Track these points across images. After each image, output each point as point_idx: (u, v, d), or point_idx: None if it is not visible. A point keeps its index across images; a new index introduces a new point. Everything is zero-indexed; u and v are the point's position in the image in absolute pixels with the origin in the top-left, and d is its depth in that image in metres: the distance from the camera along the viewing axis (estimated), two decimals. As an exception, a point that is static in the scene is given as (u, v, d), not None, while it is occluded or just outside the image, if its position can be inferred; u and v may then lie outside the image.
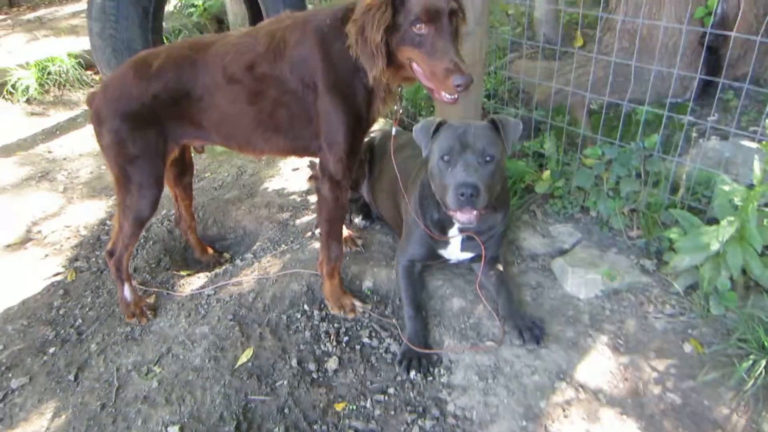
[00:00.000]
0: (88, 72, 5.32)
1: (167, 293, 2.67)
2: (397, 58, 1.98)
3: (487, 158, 2.05)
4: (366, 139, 3.02)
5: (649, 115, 3.00)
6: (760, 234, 1.94)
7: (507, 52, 4.19)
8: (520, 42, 3.66)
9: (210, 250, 3.02)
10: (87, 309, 2.62)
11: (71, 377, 2.25)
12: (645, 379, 2.04)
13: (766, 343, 1.94)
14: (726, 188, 1.96)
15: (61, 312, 2.61)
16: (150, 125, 2.24)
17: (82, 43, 5.46)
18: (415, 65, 1.96)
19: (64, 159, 4.11)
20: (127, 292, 2.52)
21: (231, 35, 2.27)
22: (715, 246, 1.96)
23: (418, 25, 1.86)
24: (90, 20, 3.71)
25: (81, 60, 5.26)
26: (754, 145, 2.71)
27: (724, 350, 2.06)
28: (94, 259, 2.97)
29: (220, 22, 6.04)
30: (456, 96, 1.90)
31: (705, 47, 3.23)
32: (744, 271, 2.08)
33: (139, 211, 2.36)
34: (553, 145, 3.02)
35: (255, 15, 4.80)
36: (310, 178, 3.36)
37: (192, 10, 5.88)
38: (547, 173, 2.92)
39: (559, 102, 3.35)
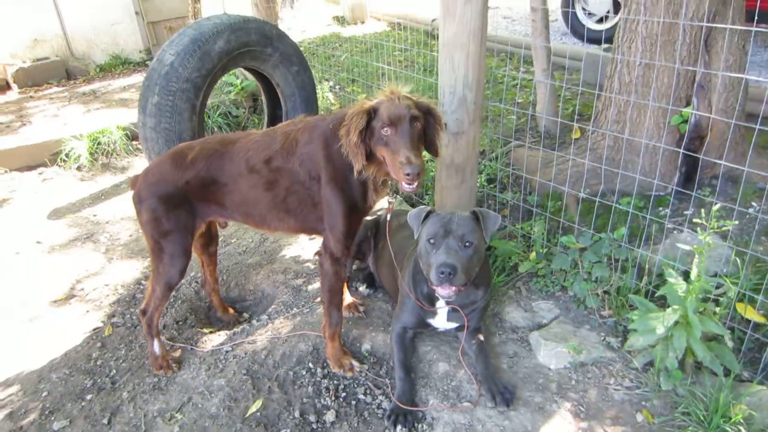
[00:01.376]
0: (134, 142, 5.96)
1: (191, 348, 3.04)
2: (376, 156, 2.40)
3: (467, 243, 2.44)
4: (372, 218, 3.46)
5: (632, 206, 3.37)
6: (700, 322, 2.25)
7: (510, 141, 4.66)
8: (524, 129, 4.09)
9: (231, 310, 3.42)
10: (121, 361, 3.01)
11: (105, 421, 2.61)
12: (601, 443, 2.32)
13: (702, 417, 2.22)
14: (672, 280, 2.30)
15: (98, 363, 3.01)
16: (182, 206, 2.69)
17: (130, 116, 6.15)
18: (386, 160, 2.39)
19: (107, 222, 4.63)
20: (156, 346, 2.90)
21: (253, 134, 2.75)
22: (660, 330, 2.28)
23: (384, 128, 2.30)
24: (144, 116, 4.19)
25: (128, 131, 5.90)
26: (721, 239, 3.05)
27: (670, 421, 2.34)
28: (129, 316, 3.39)
29: (254, 100, 6.69)
30: (413, 186, 2.29)
31: (683, 150, 3.63)
32: (693, 353, 2.38)
33: (170, 278, 2.76)
34: (542, 228, 3.40)
35: (272, 114, 5.49)
36: (317, 253, 3.80)
37: (231, 88, 6.55)
38: (533, 254, 3.29)
39: (554, 190, 3.76)
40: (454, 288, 2.39)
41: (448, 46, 3.03)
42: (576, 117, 4.24)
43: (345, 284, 3.03)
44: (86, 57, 8.63)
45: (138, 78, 8.10)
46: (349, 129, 2.35)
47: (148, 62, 8.80)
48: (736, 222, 2.21)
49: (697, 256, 2.28)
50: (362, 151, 2.35)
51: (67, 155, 5.57)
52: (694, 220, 2.29)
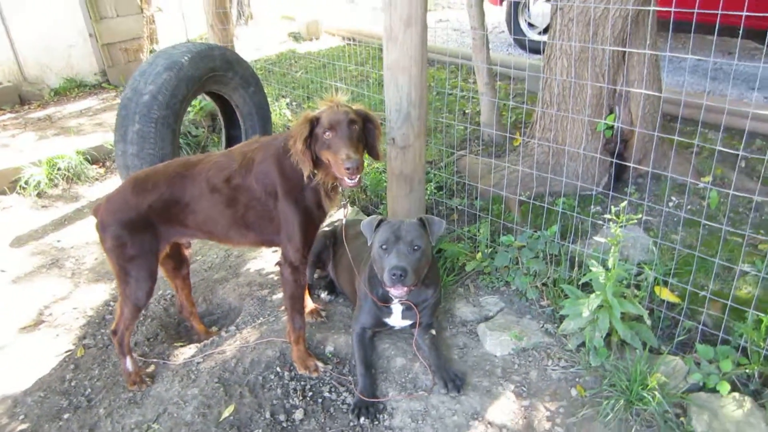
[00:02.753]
0: (93, 166, 6.03)
1: (164, 362, 3.21)
2: (322, 161, 2.64)
3: (415, 248, 2.71)
4: (330, 229, 3.70)
5: (565, 205, 3.73)
6: (619, 304, 2.59)
7: (458, 150, 4.99)
8: (471, 139, 4.38)
9: (210, 332, 3.52)
10: (95, 380, 3.13)
11: (84, 438, 2.76)
12: (539, 417, 2.62)
13: (625, 387, 2.55)
14: (594, 269, 2.63)
15: (72, 383, 3.11)
16: (145, 230, 2.76)
17: (89, 140, 6.21)
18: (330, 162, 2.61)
19: (72, 247, 4.71)
20: (128, 364, 2.98)
21: (213, 155, 2.93)
22: (586, 313, 2.60)
23: (326, 133, 2.55)
24: (124, 144, 4.25)
25: (88, 156, 5.97)
26: (644, 232, 3.41)
27: (599, 393, 2.66)
28: (100, 337, 3.51)
29: (213, 119, 6.85)
30: (354, 180, 2.56)
31: (610, 154, 4.01)
32: (616, 333, 2.71)
33: (137, 300, 2.85)
34: (486, 230, 3.71)
35: (228, 134, 5.70)
36: (277, 263, 3.93)
37: (190, 108, 6.70)
38: (479, 255, 3.59)
39: (497, 194, 4.09)
40: (405, 288, 2.66)
41: (392, 69, 3.31)
42: (520, 125, 4.60)
43: (306, 291, 3.24)
44: (40, 81, 8.57)
45: (93, 101, 8.13)
46: (295, 138, 2.59)
47: (104, 84, 8.81)
48: (640, 216, 2.55)
49: (612, 247, 2.61)
50: (309, 157, 2.59)
51: (26, 182, 5.61)
52: (605, 216, 2.62)
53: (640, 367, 2.52)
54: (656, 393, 2.43)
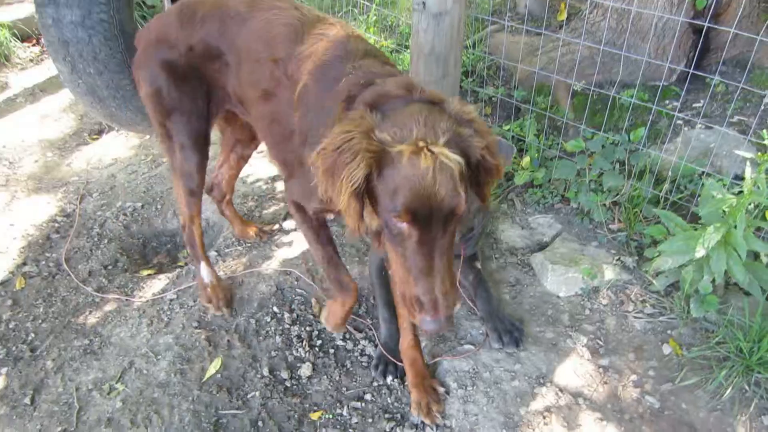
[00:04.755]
0: (25, 44, 4.86)
1: (126, 299, 2.51)
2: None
3: None
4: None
5: (636, 99, 2.91)
6: (746, 240, 1.89)
7: (487, 23, 4.00)
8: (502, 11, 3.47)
9: (253, 226, 2.81)
10: (40, 321, 2.44)
11: (27, 401, 2.10)
12: (624, 382, 2.02)
13: (744, 348, 1.93)
14: (716, 195, 1.89)
15: (10, 326, 2.42)
16: (190, 79, 2.04)
17: (15, 11, 4.97)
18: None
19: (3, 146, 3.78)
20: (203, 271, 2.39)
21: (296, 10, 1.87)
22: (701, 252, 1.91)
23: (395, 217, 1.31)
24: (55, 7, 3.18)
25: (15, 31, 4.78)
26: (739, 135, 2.65)
27: (702, 353, 2.05)
28: (44, 263, 2.75)
29: None
30: (435, 323, 1.36)
31: (697, 30, 3.12)
32: (725, 273, 2.04)
33: (188, 177, 2.20)
34: (534, 129, 2.91)
35: None
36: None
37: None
38: (527, 160, 2.82)
39: (542, 82, 3.22)
40: None
41: None
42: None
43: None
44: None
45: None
46: (334, 171, 1.34)
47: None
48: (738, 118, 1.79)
49: (748, 163, 1.86)
50: (356, 210, 1.35)
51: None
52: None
53: (765, 323, 1.89)
54: (793, 361, 1.82)
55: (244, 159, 2.59)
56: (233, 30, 1.91)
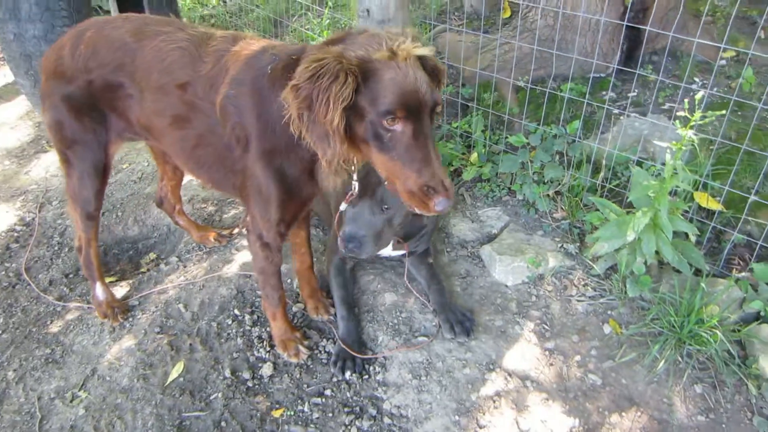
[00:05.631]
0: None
1: (88, 307, 2.53)
2: (356, 142, 1.54)
3: (385, 207, 2.04)
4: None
5: (574, 92, 3.05)
6: (670, 222, 2.03)
7: (434, 26, 4.11)
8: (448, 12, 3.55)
9: (211, 231, 2.85)
10: (0, 332, 2.46)
11: (-12, 412, 2.13)
12: (569, 362, 2.14)
13: (675, 323, 2.07)
14: (642, 181, 2.03)
15: (-30, 337, 2.44)
16: (89, 110, 2.07)
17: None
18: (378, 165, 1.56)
19: (-40, 154, 3.76)
20: (98, 290, 2.46)
21: (181, 31, 1.89)
22: (631, 236, 2.04)
23: (389, 120, 1.42)
24: (17, 23, 2.98)
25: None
26: (669, 122, 2.81)
27: (639, 330, 2.18)
28: (4, 273, 2.77)
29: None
30: (444, 203, 1.48)
31: (625, 24, 3.28)
32: (656, 253, 2.18)
33: (84, 202, 2.25)
34: (480, 125, 3.02)
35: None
36: (243, 225, 2.94)
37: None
38: (474, 156, 2.93)
39: (486, 79, 3.34)
40: (364, 255, 2.07)
41: None
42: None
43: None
44: None
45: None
46: (312, 98, 1.41)
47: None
48: (723, 112, 1.90)
49: (668, 151, 1.99)
50: (341, 133, 1.45)
51: None
52: (679, 114, 1.97)
53: (693, 299, 2.03)
54: (716, 332, 1.96)
55: (179, 168, 2.57)
56: (127, 62, 1.93)
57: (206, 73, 1.79)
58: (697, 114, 1.83)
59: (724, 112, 1.97)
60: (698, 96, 1.92)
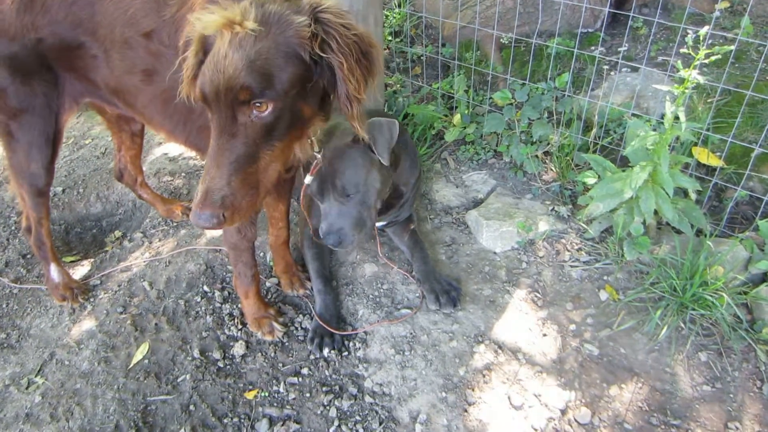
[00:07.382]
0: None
1: (46, 288, 2.35)
2: None
3: (349, 195, 1.86)
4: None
5: (560, 48, 2.85)
6: (671, 177, 1.86)
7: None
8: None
9: (178, 204, 2.66)
10: (-51, 315, 2.28)
11: (-63, 402, 1.95)
12: (563, 332, 1.99)
13: (677, 286, 1.92)
14: (639, 133, 1.85)
15: None
16: (37, 74, 1.86)
17: None
18: None
19: None
20: (53, 272, 2.28)
21: None
22: (628, 193, 1.87)
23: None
24: None
25: None
26: (663, 74, 2.63)
27: (638, 296, 2.03)
28: (-46, 253, 2.57)
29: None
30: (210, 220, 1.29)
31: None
32: (655, 213, 2.02)
33: (32, 177, 2.05)
34: (463, 85, 2.83)
35: None
36: None
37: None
38: (457, 117, 2.75)
39: (467, 37, 3.13)
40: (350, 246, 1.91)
41: None
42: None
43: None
44: None
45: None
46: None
47: None
48: (732, 48, 1.73)
49: (667, 98, 1.82)
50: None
51: None
52: (681, 51, 1.80)
53: (696, 260, 1.87)
54: (723, 294, 1.81)
55: (137, 135, 2.39)
56: (85, 17, 1.72)
57: (171, 16, 1.60)
58: (702, 51, 1.65)
59: (732, 47, 1.79)
60: (702, 32, 1.75)
